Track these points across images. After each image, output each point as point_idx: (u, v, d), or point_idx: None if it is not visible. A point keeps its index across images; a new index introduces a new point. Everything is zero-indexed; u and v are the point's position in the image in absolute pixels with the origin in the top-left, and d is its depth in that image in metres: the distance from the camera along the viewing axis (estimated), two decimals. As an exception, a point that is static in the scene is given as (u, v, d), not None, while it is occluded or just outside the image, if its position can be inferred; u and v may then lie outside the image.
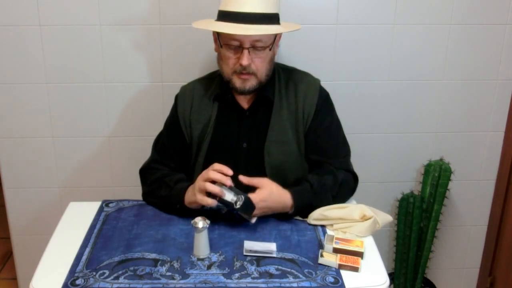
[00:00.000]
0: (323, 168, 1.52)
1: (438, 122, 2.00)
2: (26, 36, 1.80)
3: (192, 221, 1.25)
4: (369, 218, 1.38)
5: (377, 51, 1.88)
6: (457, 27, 1.87)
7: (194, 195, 1.37)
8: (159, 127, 1.91)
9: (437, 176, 1.95)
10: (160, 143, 1.62)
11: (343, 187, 1.51)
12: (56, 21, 1.79)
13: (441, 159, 1.99)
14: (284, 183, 1.52)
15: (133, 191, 1.96)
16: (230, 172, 1.34)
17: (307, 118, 1.53)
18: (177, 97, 1.62)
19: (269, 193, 1.38)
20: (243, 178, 1.37)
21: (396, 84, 1.93)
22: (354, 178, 1.58)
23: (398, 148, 2.03)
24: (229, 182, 1.33)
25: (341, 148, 1.59)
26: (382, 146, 2.02)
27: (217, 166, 1.35)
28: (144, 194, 1.58)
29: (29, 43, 1.81)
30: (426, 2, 1.83)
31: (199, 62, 1.85)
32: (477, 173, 2.08)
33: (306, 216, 1.43)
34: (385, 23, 1.85)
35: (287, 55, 1.83)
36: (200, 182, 1.36)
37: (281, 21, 1.48)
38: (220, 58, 1.49)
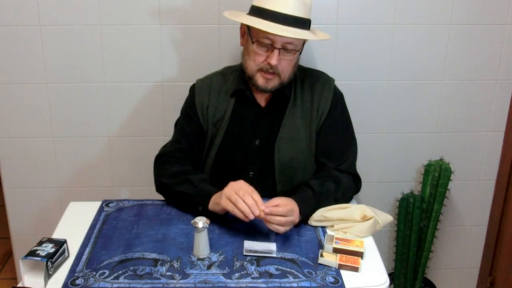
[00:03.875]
0: (326, 171, 1.53)
1: (438, 122, 2.00)
2: (26, 36, 1.80)
3: (192, 221, 1.25)
4: (370, 218, 1.38)
5: (377, 51, 1.88)
6: (457, 27, 1.87)
7: (220, 199, 1.34)
8: (159, 127, 1.92)
9: (437, 176, 1.95)
10: (183, 130, 1.60)
11: (345, 192, 1.51)
12: (56, 21, 1.79)
13: (441, 159, 1.99)
14: (291, 181, 1.52)
15: (133, 191, 1.97)
16: (256, 212, 1.28)
17: (321, 116, 1.54)
18: (193, 89, 1.61)
19: (290, 205, 1.34)
20: (265, 208, 1.30)
21: (396, 84, 1.93)
22: (357, 181, 1.58)
23: (398, 148, 2.03)
24: (251, 216, 1.28)
25: (349, 151, 1.59)
26: (382, 146, 2.02)
27: (256, 196, 1.30)
28: (160, 185, 1.54)
29: (29, 43, 1.81)
30: (426, 2, 1.83)
31: (200, 62, 1.85)
32: (477, 173, 2.08)
33: (307, 220, 1.43)
34: (385, 23, 1.85)
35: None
36: (234, 195, 1.31)
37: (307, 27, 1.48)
38: (247, 53, 1.49)
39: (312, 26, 1.50)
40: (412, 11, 1.84)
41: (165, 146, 1.63)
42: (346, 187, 1.52)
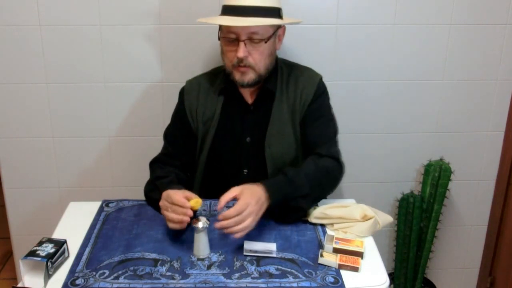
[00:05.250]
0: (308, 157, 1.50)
1: (438, 122, 2.00)
2: (26, 36, 1.80)
3: (192, 221, 1.25)
4: (370, 218, 1.38)
5: (377, 51, 1.88)
6: (457, 27, 1.87)
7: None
8: (159, 127, 1.91)
9: (437, 176, 1.95)
10: (171, 136, 1.62)
11: (324, 174, 1.45)
12: (56, 21, 1.79)
13: (441, 159, 1.99)
14: None
15: (133, 191, 1.97)
16: (190, 212, 1.26)
17: (302, 108, 1.54)
18: (182, 91, 1.62)
19: (248, 195, 1.28)
20: (219, 208, 1.26)
21: (396, 84, 1.93)
22: (339, 164, 1.52)
23: (398, 148, 2.03)
24: (186, 219, 1.26)
25: (329, 135, 1.56)
26: (382, 146, 2.02)
27: (176, 201, 1.28)
28: (144, 194, 1.57)
29: (29, 43, 1.81)
30: (426, 2, 1.83)
31: (199, 62, 1.85)
32: (477, 173, 2.08)
33: (295, 210, 1.40)
34: (385, 23, 1.85)
35: (287, 55, 1.83)
36: (163, 211, 1.32)
37: (284, 17, 1.48)
38: (222, 53, 1.50)
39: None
40: (412, 11, 1.84)
41: None
42: (325, 168, 1.46)
